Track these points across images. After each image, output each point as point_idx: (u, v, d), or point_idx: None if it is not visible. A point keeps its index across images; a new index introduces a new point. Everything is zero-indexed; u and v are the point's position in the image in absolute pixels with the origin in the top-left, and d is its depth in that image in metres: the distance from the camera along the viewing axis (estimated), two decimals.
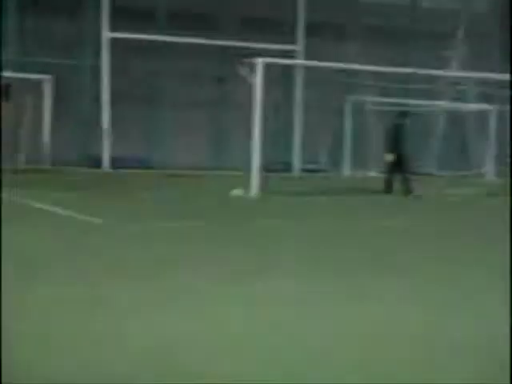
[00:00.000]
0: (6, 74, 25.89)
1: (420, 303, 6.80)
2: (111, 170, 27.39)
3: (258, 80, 20.05)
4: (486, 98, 32.36)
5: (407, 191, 19.22)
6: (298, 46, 30.29)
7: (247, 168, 20.47)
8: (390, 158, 19.59)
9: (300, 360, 4.89)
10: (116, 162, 27.69)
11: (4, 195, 15.05)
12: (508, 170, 29.17)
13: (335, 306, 6.69)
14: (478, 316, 6.35)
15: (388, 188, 19.49)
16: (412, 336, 5.67)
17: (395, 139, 19.72)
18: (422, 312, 6.45)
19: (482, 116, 32.59)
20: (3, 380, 4.59)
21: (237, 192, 20.04)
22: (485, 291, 7.43)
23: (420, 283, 7.84)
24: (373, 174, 29.37)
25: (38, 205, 14.49)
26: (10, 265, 7.69)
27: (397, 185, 19.66)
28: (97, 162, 27.75)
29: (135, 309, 6.20)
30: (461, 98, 33.87)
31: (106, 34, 27.94)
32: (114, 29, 27.69)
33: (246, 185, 19.86)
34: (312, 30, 30.40)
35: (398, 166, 19.53)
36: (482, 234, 12.69)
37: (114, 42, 27.95)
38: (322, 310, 6.48)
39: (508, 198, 19.54)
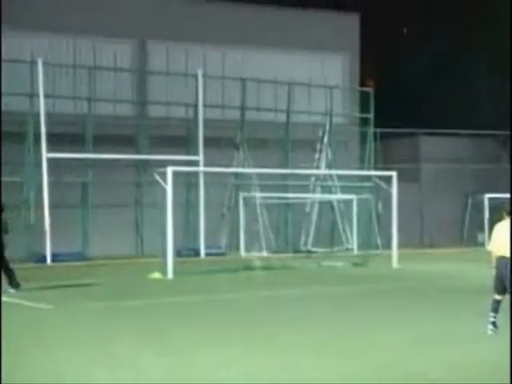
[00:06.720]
0: None
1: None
2: (53, 264, 28.78)
3: (168, 184, 22.96)
4: (348, 189, 36.70)
5: None
6: (199, 157, 33.24)
7: (163, 255, 22.76)
8: None
9: None
10: (56, 257, 29.46)
11: None
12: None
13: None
14: None
15: None
16: None
17: None
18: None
19: (347, 204, 36.96)
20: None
21: (156, 275, 22.64)
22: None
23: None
24: (264, 253, 32.54)
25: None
26: None
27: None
28: (41, 258, 29.51)
29: None
30: (329, 190, 37.81)
31: (45, 155, 30.32)
32: (50, 150, 30.09)
33: (164, 268, 22.46)
34: (209, 142, 33.67)
35: None
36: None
37: (51, 161, 30.39)
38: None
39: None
